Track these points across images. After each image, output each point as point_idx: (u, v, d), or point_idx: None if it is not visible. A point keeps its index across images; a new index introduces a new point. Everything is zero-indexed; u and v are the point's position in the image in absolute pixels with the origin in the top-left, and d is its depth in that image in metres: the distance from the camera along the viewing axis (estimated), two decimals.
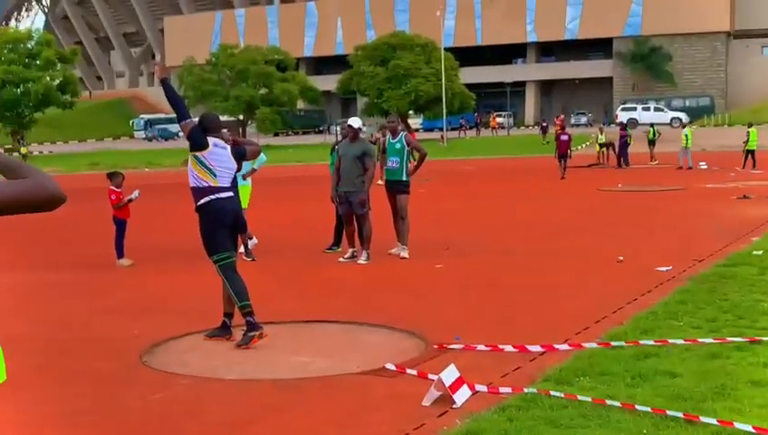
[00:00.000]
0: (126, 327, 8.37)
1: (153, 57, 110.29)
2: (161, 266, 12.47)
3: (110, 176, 12.90)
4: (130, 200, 12.69)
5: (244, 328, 7.55)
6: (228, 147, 7.95)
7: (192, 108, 66.66)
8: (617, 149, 34.01)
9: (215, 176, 7.66)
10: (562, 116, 56.61)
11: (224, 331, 7.83)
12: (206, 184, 7.66)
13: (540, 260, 11.85)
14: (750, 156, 29.88)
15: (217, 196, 7.67)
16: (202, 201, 7.68)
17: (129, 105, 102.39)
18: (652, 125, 37.69)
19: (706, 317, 7.76)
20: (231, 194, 7.85)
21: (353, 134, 12.27)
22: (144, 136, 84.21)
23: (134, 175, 31.45)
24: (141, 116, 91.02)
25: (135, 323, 8.56)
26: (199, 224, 7.78)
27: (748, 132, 30.55)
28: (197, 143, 7.66)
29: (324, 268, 11.81)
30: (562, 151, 28.69)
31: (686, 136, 31.78)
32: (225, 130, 8.63)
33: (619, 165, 32.98)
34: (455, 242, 13.74)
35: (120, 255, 12.67)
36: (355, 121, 12.50)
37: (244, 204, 12.48)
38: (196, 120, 7.90)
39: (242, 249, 11.93)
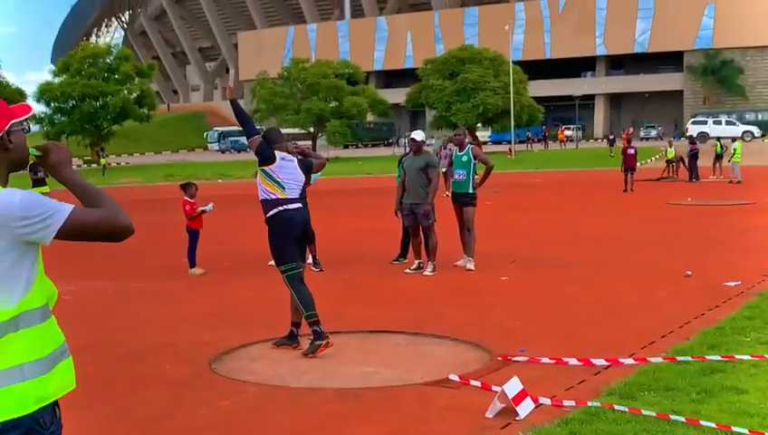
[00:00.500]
0: (196, 334, 8.50)
1: (227, 71, 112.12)
2: (231, 276, 12.63)
3: (184, 187, 13.14)
4: (204, 211, 12.90)
5: (311, 337, 7.63)
6: (295, 159, 8.06)
7: (264, 120, 67.73)
8: (687, 163, 33.50)
9: (283, 188, 7.77)
10: (630, 129, 56.00)
11: (291, 340, 7.91)
12: (274, 196, 7.76)
13: (607, 274, 11.72)
14: None
15: (286, 207, 7.76)
16: (271, 213, 7.77)
17: (203, 118, 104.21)
18: (719, 139, 37.09)
19: None
20: (299, 205, 7.94)
21: (416, 147, 12.33)
22: (218, 148, 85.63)
23: (208, 186, 31.95)
24: (215, 128, 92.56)
25: (205, 330, 8.68)
26: (268, 235, 7.88)
27: None
28: (265, 158, 7.77)
29: (391, 279, 11.84)
30: (629, 165, 28.55)
31: (735, 150, 31.65)
32: (291, 143, 8.72)
33: (690, 179, 32.46)
34: (521, 255, 13.66)
35: (193, 264, 12.88)
36: (418, 135, 12.53)
37: None
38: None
39: (310, 259, 12.04)
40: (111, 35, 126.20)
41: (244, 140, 52.51)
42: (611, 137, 58.43)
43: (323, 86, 65.03)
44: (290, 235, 7.78)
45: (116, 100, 68.40)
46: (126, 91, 70.34)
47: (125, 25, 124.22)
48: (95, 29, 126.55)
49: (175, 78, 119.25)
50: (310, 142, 64.89)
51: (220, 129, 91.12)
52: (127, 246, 14.97)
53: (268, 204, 7.79)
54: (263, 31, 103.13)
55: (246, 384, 6.74)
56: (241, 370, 7.23)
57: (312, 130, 66.66)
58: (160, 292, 11.46)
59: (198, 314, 9.69)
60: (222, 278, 12.43)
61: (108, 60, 71.47)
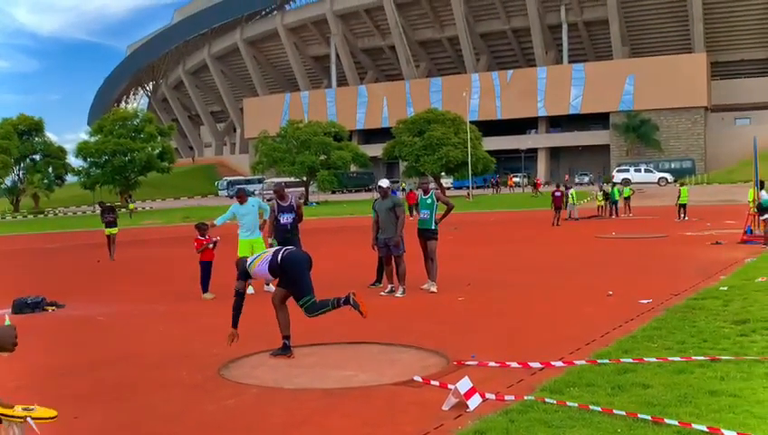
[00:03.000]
0: (207, 347, 8.56)
1: (234, 130, 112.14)
2: None
3: (197, 227, 13.27)
4: (208, 246, 12.95)
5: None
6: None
7: (266, 171, 67.78)
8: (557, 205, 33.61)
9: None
10: (564, 178, 57.13)
11: (284, 350, 8.00)
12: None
13: (544, 294, 11.85)
14: (682, 208, 30.47)
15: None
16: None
17: (214, 169, 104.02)
18: (628, 184, 37.92)
19: (677, 340, 7.72)
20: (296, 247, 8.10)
21: (383, 192, 12.53)
22: (226, 194, 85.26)
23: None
24: (224, 178, 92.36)
25: (214, 343, 8.71)
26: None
27: (679, 190, 31.34)
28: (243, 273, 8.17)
29: (368, 300, 11.78)
30: (557, 205, 30.46)
31: (572, 195, 33.31)
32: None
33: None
34: (475, 279, 13.77)
35: (205, 289, 12.92)
36: (384, 182, 12.73)
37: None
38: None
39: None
40: (138, 102, 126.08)
41: (248, 187, 50.83)
42: (535, 183, 64.13)
43: (314, 142, 65.24)
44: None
45: (141, 155, 68.37)
46: (150, 148, 70.28)
47: (149, 93, 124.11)
48: (124, 96, 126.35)
49: (191, 136, 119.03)
50: (303, 189, 64.98)
51: (228, 178, 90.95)
52: (150, 275, 15.02)
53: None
54: (264, 97, 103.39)
55: (248, 387, 6.80)
56: (244, 375, 7.29)
57: (305, 178, 66.77)
58: (178, 313, 11.50)
59: (209, 330, 9.73)
60: (229, 302, 12.39)
61: (135, 122, 71.50)
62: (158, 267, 19.16)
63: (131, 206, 60.07)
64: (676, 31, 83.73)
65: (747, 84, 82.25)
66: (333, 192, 75.22)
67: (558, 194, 30.65)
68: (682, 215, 30.13)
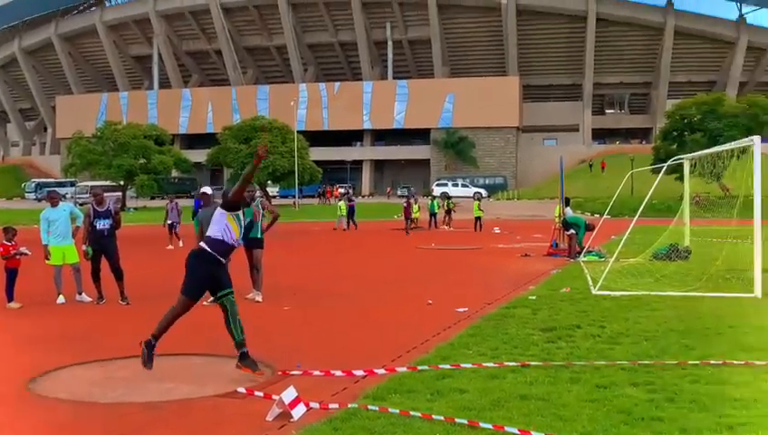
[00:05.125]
0: (14, 359, 8.02)
1: (45, 130, 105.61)
2: (44, 309, 11.89)
3: (4, 230, 12.38)
4: (19, 254, 12.13)
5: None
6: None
7: (79, 174, 64.33)
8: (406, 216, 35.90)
9: (240, 231, 7.48)
10: (377, 190, 58.22)
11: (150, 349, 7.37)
12: (231, 241, 7.42)
13: (367, 303, 12.08)
14: (477, 221, 34.12)
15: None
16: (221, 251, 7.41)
17: (21, 170, 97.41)
18: (449, 199, 40.02)
19: (490, 347, 8.13)
20: None
21: (206, 199, 12.40)
22: (34, 197, 79.85)
23: (25, 230, 29.83)
24: (33, 180, 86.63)
25: (22, 355, 8.20)
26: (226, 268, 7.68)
27: (473, 205, 35.66)
28: (235, 206, 7.41)
29: (192, 310, 11.58)
30: (407, 215, 33.28)
31: (341, 207, 36.54)
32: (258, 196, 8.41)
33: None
34: (301, 288, 13.81)
35: (10, 299, 12.06)
36: (207, 189, 12.66)
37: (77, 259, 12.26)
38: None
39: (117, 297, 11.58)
40: None
41: (59, 190, 47.27)
42: (324, 192, 70.49)
43: (133, 145, 62.64)
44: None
45: None
46: None
47: None
48: None
49: None
50: (120, 193, 62.21)
51: (38, 180, 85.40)
52: None
53: (218, 244, 7.38)
54: (79, 96, 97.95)
55: (61, 401, 6.45)
56: (56, 389, 6.89)
57: (122, 182, 64.00)
58: None
59: (16, 342, 9.12)
60: (36, 311, 11.68)
61: None
62: None
63: None
64: (493, 54, 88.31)
65: (555, 107, 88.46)
66: (153, 198, 72.57)
67: (406, 205, 33.61)
68: (478, 227, 33.50)
